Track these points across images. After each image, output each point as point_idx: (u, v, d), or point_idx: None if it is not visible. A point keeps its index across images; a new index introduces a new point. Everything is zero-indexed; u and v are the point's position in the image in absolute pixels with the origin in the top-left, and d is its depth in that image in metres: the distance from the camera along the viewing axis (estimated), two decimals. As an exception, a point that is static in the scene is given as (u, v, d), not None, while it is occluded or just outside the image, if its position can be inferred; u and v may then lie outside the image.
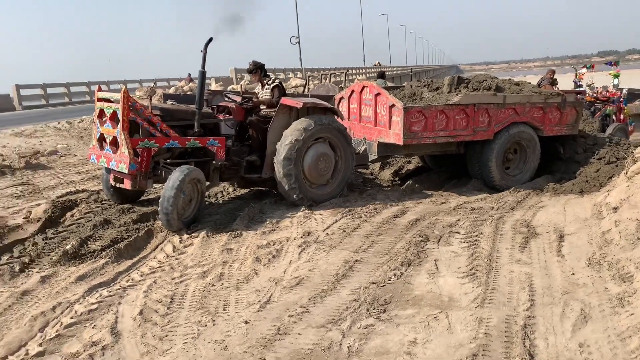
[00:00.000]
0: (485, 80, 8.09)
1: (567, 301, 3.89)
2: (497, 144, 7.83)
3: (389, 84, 11.52)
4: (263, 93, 7.36)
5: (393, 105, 7.36)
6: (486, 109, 7.64)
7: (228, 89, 21.30)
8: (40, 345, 3.61)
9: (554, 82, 12.94)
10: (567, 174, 8.31)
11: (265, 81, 7.35)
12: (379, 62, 52.88)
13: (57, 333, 3.76)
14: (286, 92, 7.56)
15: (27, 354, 3.51)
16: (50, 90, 30.78)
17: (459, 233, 5.63)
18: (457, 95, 7.66)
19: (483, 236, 5.45)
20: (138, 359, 3.39)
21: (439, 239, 5.46)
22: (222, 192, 7.74)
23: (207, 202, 6.90)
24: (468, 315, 3.76)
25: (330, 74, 11.47)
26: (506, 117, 7.81)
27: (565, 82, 15.93)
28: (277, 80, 7.37)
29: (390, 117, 7.42)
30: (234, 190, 7.78)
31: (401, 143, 7.31)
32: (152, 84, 30.97)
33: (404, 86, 8.98)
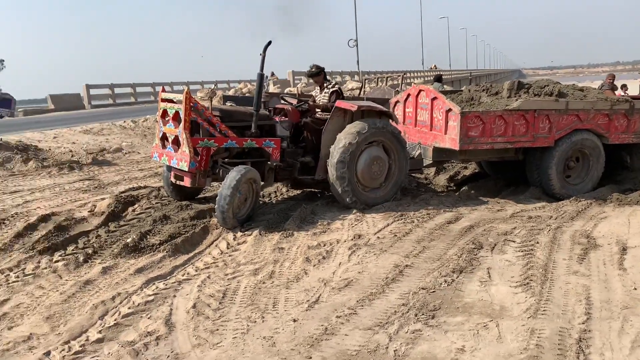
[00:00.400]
0: (547, 85, 7.84)
1: (627, 316, 3.73)
2: (558, 152, 7.57)
3: (447, 88, 11.36)
4: (321, 97, 7.43)
5: (450, 110, 7.25)
6: (547, 115, 7.40)
7: (285, 91, 21.62)
8: (99, 332, 3.79)
9: (613, 88, 12.38)
10: (633, 184, 7.93)
11: (325, 85, 7.43)
12: (435, 65, 52.04)
13: (115, 322, 3.94)
14: (344, 96, 7.60)
15: (87, 339, 3.70)
16: (117, 90, 32.22)
17: (514, 242, 5.49)
18: (516, 100, 7.47)
19: (539, 245, 5.29)
20: (189, 351, 3.51)
21: (493, 247, 5.34)
22: (275, 192, 7.87)
23: (260, 202, 7.03)
24: (520, 326, 3.66)
25: (387, 77, 11.40)
26: (568, 123, 7.54)
27: (634, 88, 15.17)
28: (336, 86, 7.42)
29: (447, 122, 7.32)
30: (287, 190, 7.89)
31: (457, 148, 7.19)
32: (213, 86, 31.83)
33: (461, 90, 8.83)
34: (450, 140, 7.26)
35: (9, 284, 4.77)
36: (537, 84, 8.01)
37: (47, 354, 3.51)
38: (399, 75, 9.61)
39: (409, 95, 8.37)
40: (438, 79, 12.72)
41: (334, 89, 7.32)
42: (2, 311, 4.18)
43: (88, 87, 30.13)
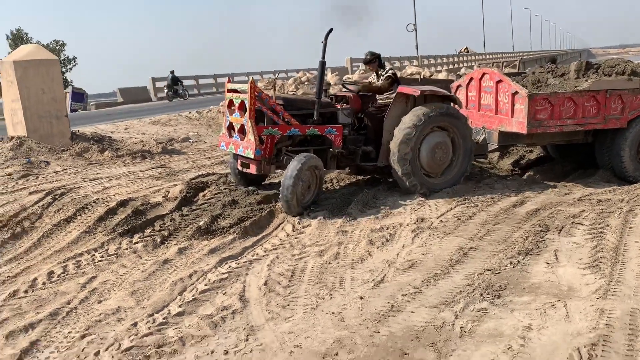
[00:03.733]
0: (618, 65, 7.54)
1: None
2: (631, 133, 7.29)
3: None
4: (377, 83, 7.48)
5: (516, 92, 7.12)
6: (619, 95, 7.13)
7: (343, 78, 21.67)
8: (179, 306, 4.08)
9: None
10: None
11: (380, 72, 7.46)
12: (466, 48, 47.76)
13: (193, 297, 4.22)
14: (400, 81, 7.60)
15: (169, 313, 3.99)
16: (181, 83, 33.25)
17: (582, 224, 5.39)
18: (586, 81, 7.24)
19: (610, 228, 5.17)
20: (264, 323, 3.73)
21: (560, 230, 5.28)
22: (336, 178, 8.01)
23: (324, 188, 7.18)
24: (588, 306, 3.64)
25: (503, 62, 11.15)
26: (642, 103, 7.23)
27: None
28: (390, 71, 7.43)
29: (513, 105, 7.18)
30: (348, 176, 8.01)
31: (525, 132, 7.05)
32: (273, 76, 32.29)
33: (525, 72, 8.63)
34: (517, 123, 7.13)
35: (95, 262, 5.17)
36: (607, 64, 7.72)
37: (135, 324, 3.82)
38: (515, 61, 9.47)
39: (471, 79, 8.27)
40: (553, 60, 12.37)
41: (389, 74, 7.34)
42: (92, 287, 4.55)
43: (154, 80, 31.32)
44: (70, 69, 41.60)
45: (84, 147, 10.69)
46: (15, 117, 10.74)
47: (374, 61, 7.42)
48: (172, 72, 28.56)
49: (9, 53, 15.72)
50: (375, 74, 7.54)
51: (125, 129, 14.76)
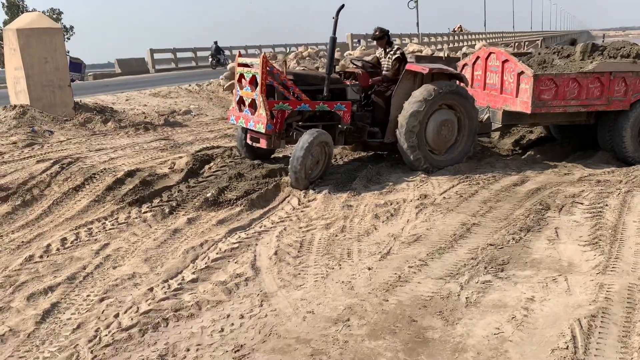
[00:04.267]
0: (624, 47, 7.62)
1: (699, 276, 3.78)
2: (633, 115, 7.40)
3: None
4: (385, 61, 7.51)
5: (522, 72, 7.18)
6: (623, 77, 7.22)
7: (344, 54, 21.58)
8: (193, 273, 4.21)
9: None
10: None
11: (388, 50, 7.48)
12: (460, 27, 46.86)
13: (206, 265, 4.35)
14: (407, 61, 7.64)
15: (183, 279, 4.12)
16: (179, 55, 33.01)
17: (582, 204, 5.53)
18: (591, 63, 7.31)
19: (609, 208, 5.32)
20: (276, 290, 3.87)
21: (561, 208, 5.42)
22: (341, 154, 8.10)
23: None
24: (588, 280, 3.80)
25: (525, 42, 11.18)
26: (645, 86, 7.33)
27: None
28: (398, 52, 7.42)
29: (519, 85, 7.25)
30: (352, 152, 8.10)
31: (529, 111, 7.14)
32: (270, 50, 32.06)
33: (530, 52, 8.68)
34: (522, 103, 7.22)
35: (106, 230, 5.28)
36: (613, 46, 7.79)
37: (150, 289, 3.95)
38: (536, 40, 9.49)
39: (477, 57, 8.31)
40: (572, 42, 12.42)
41: (397, 55, 7.33)
42: (106, 253, 4.68)
43: (152, 51, 31.04)
44: (68, 38, 41.11)
45: (87, 118, 10.70)
46: (18, 86, 10.72)
47: (383, 38, 7.44)
48: (216, 42, 31.08)
49: (4, 21, 15.57)
50: (383, 50, 7.57)
51: (126, 100, 14.71)
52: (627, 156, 7.47)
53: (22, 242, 5.02)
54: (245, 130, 7.04)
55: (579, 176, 6.77)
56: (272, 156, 7.70)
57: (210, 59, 31.03)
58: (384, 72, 7.42)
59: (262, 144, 6.70)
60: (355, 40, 30.80)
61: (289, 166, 6.23)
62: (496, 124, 7.78)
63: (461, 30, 45.25)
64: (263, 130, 6.38)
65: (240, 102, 6.85)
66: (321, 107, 6.73)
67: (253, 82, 6.51)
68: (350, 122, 6.94)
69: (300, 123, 6.82)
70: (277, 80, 6.52)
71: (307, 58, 21.77)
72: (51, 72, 10.72)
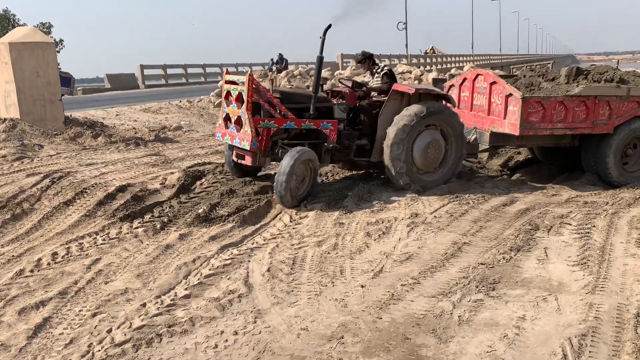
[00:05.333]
0: (607, 72, 7.79)
1: (685, 297, 3.86)
2: (616, 139, 7.55)
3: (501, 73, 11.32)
4: (373, 81, 7.62)
5: (510, 95, 7.31)
6: (608, 101, 7.39)
7: (334, 74, 21.79)
8: (186, 289, 4.20)
9: None
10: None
11: (374, 70, 7.60)
12: (432, 48, 45.62)
13: (198, 281, 4.35)
14: (395, 77, 7.76)
15: (176, 295, 4.11)
16: (169, 71, 33.11)
17: (570, 224, 5.62)
18: (577, 86, 7.48)
19: (596, 229, 5.41)
20: (270, 307, 3.88)
21: (549, 229, 5.50)
22: (332, 172, 8.15)
23: (319, 181, 7.30)
24: (578, 300, 3.86)
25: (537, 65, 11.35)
26: (629, 110, 7.50)
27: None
28: (386, 68, 7.58)
29: (506, 107, 7.37)
30: (343, 170, 8.15)
31: (517, 133, 7.25)
32: (249, 69, 32.30)
33: (516, 75, 8.85)
34: (510, 125, 7.34)
35: (97, 245, 5.26)
36: (596, 70, 7.96)
37: (143, 305, 3.94)
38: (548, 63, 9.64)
39: (465, 79, 8.46)
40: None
41: (384, 71, 7.47)
42: (97, 268, 4.66)
43: (142, 67, 31.11)
44: (58, 51, 41.01)
45: (77, 132, 10.67)
46: (9, 99, 10.68)
47: (366, 61, 7.57)
48: (281, 54, 29.95)
49: (-4, 34, 15.62)
50: (369, 73, 7.68)
51: (117, 115, 14.73)
52: (612, 180, 7.58)
53: (13, 256, 4.98)
54: (232, 147, 7.06)
55: (567, 197, 6.88)
56: (262, 173, 7.73)
57: (273, 69, 29.82)
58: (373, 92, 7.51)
59: (247, 161, 6.72)
60: (346, 60, 31.14)
61: (274, 189, 6.24)
62: (483, 145, 7.89)
63: (433, 52, 44.94)
64: (248, 148, 6.41)
65: (227, 119, 6.88)
66: (307, 125, 6.77)
67: (239, 99, 6.56)
68: (337, 141, 6.99)
69: (286, 141, 6.86)
70: (263, 97, 6.57)
71: (298, 77, 21.94)
72: (42, 87, 10.72)
